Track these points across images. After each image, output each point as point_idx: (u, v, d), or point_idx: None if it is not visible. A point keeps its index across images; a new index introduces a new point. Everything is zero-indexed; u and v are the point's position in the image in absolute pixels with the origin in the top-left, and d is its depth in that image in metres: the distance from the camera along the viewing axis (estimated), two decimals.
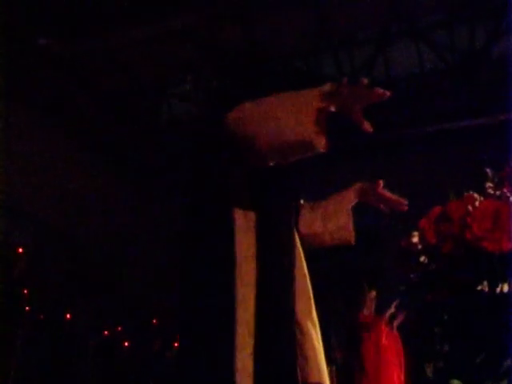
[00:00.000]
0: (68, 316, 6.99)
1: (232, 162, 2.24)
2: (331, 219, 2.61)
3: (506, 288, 2.13)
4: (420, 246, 2.25)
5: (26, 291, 6.42)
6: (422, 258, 2.22)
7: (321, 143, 2.10)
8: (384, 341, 5.02)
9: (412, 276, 2.31)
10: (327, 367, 2.41)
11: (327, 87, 2.10)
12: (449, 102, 7.07)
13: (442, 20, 7.17)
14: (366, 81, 2.05)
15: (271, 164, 2.18)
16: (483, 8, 6.76)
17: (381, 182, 2.60)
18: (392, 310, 5.01)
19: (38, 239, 7.12)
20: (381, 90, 2.06)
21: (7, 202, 6.59)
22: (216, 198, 2.24)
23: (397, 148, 7.23)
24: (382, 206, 2.63)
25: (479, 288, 2.15)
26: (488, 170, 2.43)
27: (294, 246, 2.34)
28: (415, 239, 2.26)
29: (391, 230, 4.53)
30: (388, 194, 2.63)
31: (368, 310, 5.37)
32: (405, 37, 7.36)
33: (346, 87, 2.06)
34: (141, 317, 7.79)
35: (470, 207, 2.21)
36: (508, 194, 2.25)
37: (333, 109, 2.09)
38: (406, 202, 2.60)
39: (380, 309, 5.36)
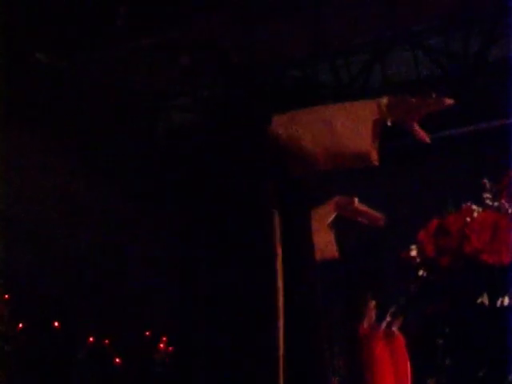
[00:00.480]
0: (58, 323, 6.93)
1: (268, 167, 2.25)
2: (315, 236, 2.62)
3: (506, 301, 2.11)
4: (419, 260, 2.22)
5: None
6: (421, 272, 2.20)
7: (375, 156, 2.13)
8: (378, 352, 5.00)
9: (411, 288, 2.29)
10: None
11: (385, 100, 2.13)
12: (445, 108, 7.05)
13: (437, 26, 7.15)
14: (434, 94, 2.08)
15: (319, 170, 2.21)
16: (478, 13, 6.75)
17: (356, 199, 2.62)
18: (388, 319, 4.99)
19: (35, 247, 7.11)
20: (448, 99, 2.07)
21: (5, 211, 6.58)
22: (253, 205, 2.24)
23: (393, 157, 7.20)
24: (359, 219, 2.64)
25: (479, 301, 2.12)
26: (486, 181, 2.41)
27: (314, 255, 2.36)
28: (414, 252, 2.24)
29: (391, 239, 4.52)
30: (365, 208, 2.64)
31: (369, 320, 5.35)
32: (401, 43, 7.33)
33: (407, 101, 2.10)
34: (138, 324, 7.74)
35: (468, 219, 2.19)
36: (506, 206, 2.23)
37: (389, 122, 2.12)
38: (382, 217, 2.61)
39: (380, 317, 5.33)
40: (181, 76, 8.03)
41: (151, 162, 8.03)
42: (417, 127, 2.14)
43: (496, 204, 2.26)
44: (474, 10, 6.70)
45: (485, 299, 2.11)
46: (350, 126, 2.13)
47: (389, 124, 2.11)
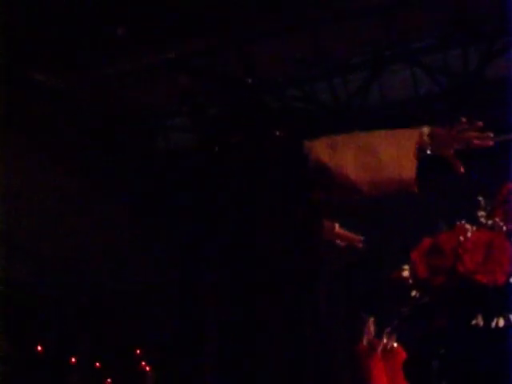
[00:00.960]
0: (42, 348, 6.84)
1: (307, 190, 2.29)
2: None
3: (501, 322, 2.05)
4: (411, 280, 2.18)
5: None
6: (414, 293, 2.15)
7: (416, 184, 2.19)
8: (376, 372, 4.95)
9: (404, 310, 2.24)
10: None
11: (427, 130, 2.20)
12: (443, 125, 7.05)
13: (435, 43, 7.16)
14: (480, 123, 2.14)
15: (359, 196, 2.24)
16: (476, 30, 6.76)
17: (336, 224, 2.64)
18: (384, 340, 4.93)
19: (32, 267, 7.07)
20: (491, 135, 2.14)
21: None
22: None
23: None
24: (338, 241, 2.66)
25: (474, 322, 2.07)
26: (480, 199, 2.37)
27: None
28: (406, 273, 2.19)
29: (386, 258, 4.48)
30: (344, 232, 2.66)
31: (368, 338, 5.29)
32: (399, 61, 7.34)
33: (448, 132, 2.18)
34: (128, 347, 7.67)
35: (461, 238, 2.14)
36: (501, 224, 2.18)
37: (429, 151, 2.18)
38: (361, 239, 2.63)
39: (379, 334, 5.29)
40: (180, 95, 8.07)
41: (152, 164, 8.00)
42: (454, 157, 2.20)
43: (490, 222, 2.21)
44: (472, 26, 6.71)
45: (479, 320, 2.06)
46: (393, 154, 2.18)
47: (428, 153, 2.19)
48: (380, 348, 5.11)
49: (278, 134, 2.43)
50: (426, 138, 2.18)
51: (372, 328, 5.36)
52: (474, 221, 2.29)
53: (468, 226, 2.18)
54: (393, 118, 7.35)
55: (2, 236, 6.44)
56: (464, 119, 2.16)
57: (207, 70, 7.31)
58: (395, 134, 2.25)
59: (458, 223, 2.25)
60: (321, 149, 2.25)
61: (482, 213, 2.30)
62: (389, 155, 2.17)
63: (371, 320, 5.34)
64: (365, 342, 5.33)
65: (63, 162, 7.61)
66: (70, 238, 7.38)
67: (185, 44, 7.08)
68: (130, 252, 7.82)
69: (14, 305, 6.45)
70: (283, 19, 6.97)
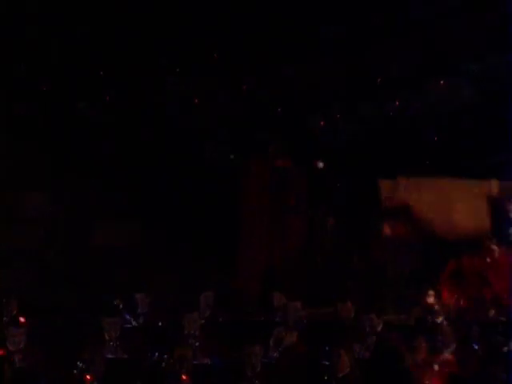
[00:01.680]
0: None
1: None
2: None
3: None
4: (437, 307, 2.10)
5: None
6: (440, 319, 2.07)
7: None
8: None
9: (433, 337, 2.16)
10: None
11: (495, 183, 2.31)
12: (488, 133, 6.92)
13: (477, 53, 7.05)
14: None
15: (432, 236, 2.30)
16: None
17: None
18: (436, 368, 4.87)
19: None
20: None
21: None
22: None
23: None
24: None
25: (505, 349, 1.98)
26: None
27: None
28: (431, 299, 2.11)
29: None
30: None
31: (421, 355, 5.21)
32: (441, 72, 7.25)
33: None
34: None
35: (488, 259, 2.05)
36: None
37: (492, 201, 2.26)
38: None
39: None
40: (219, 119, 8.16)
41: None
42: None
43: None
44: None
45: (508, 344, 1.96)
46: (469, 204, 2.32)
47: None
48: (435, 365, 5.03)
49: (321, 165, 2.51)
50: (494, 189, 2.28)
51: (423, 346, 5.27)
52: (502, 240, 2.21)
53: (495, 247, 2.10)
54: (439, 129, 7.26)
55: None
56: None
57: (248, 95, 7.37)
58: (468, 183, 2.40)
59: (485, 243, 2.17)
60: (406, 190, 2.34)
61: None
62: (466, 205, 2.30)
63: (422, 338, 5.23)
64: (418, 359, 5.26)
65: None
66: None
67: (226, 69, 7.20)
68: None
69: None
70: (322, 39, 7.00)
